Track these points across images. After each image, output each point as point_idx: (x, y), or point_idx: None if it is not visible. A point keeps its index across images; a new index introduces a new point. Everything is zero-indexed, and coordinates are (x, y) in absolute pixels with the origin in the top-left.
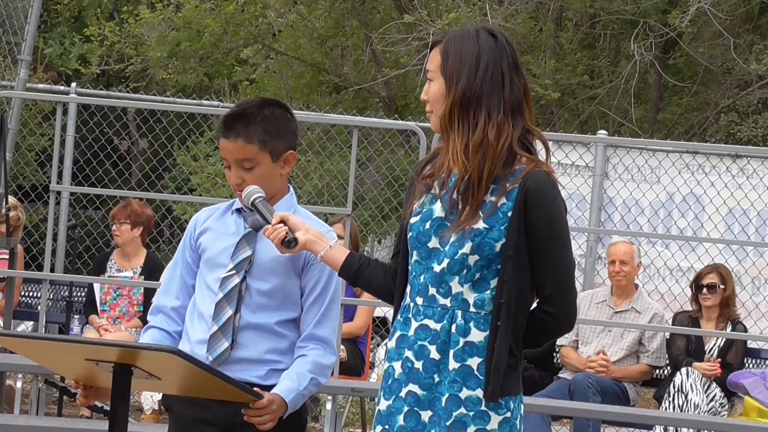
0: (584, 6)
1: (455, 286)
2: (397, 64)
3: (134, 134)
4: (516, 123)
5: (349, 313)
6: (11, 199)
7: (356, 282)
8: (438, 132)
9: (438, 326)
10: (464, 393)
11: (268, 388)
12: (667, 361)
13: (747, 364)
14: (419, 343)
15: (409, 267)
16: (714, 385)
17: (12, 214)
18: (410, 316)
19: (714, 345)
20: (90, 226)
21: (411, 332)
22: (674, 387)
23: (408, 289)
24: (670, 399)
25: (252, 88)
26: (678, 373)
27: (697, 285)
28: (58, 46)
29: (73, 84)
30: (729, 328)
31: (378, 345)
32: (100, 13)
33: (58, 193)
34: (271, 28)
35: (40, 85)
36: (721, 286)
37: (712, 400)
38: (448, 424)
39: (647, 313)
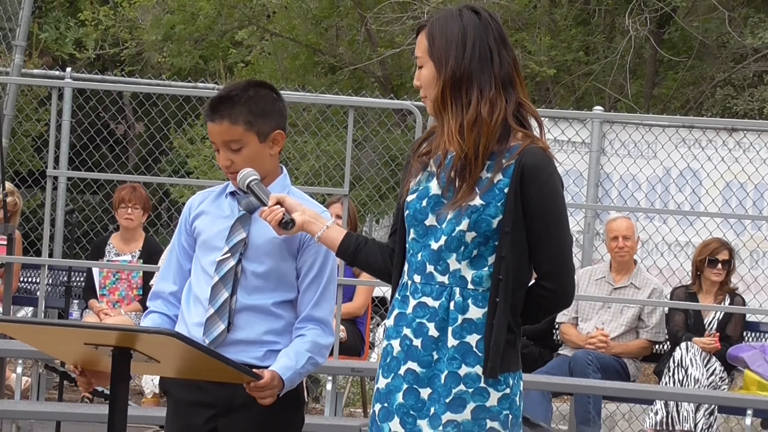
0: None
1: (453, 264)
2: (392, 44)
3: (130, 118)
4: (509, 97)
5: (348, 293)
6: (8, 184)
7: (354, 262)
8: (433, 115)
9: (436, 304)
10: (463, 370)
11: (266, 368)
12: (667, 336)
13: (746, 338)
14: (418, 320)
15: (407, 245)
16: (714, 359)
17: (9, 199)
18: (408, 294)
19: (713, 319)
20: (88, 211)
21: (409, 310)
22: (674, 362)
23: (406, 267)
24: (670, 374)
25: (247, 70)
26: (677, 347)
27: (709, 259)
28: (53, 30)
29: (69, 69)
30: (727, 302)
31: (378, 325)
32: None
33: (55, 178)
34: (266, 10)
35: (36, 71)
36: (731, 262)
37: (712, 374)
38: (447, 401)
39: (646, 289)
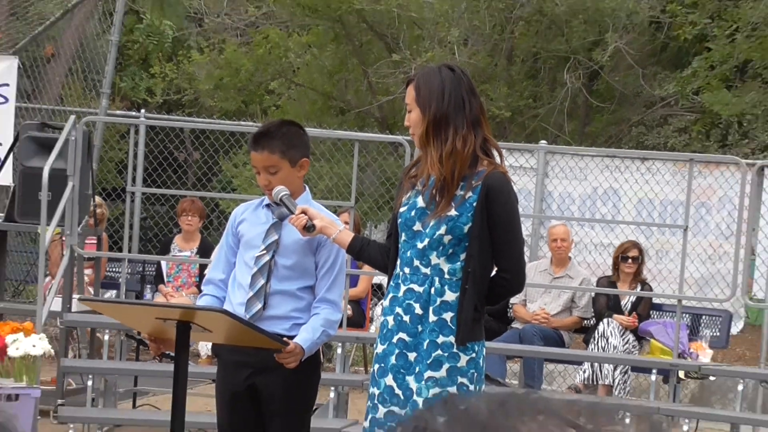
0: (529, 46)
1: (434, 259)
2: (388, 92)
3: (189, 148)
4: (477, 133)
5: (353, 280)
6: (97, 198)
7: (359, 257)
8: (419, 148)
9: (421, 289)
10: (440, 339)
11: (292, 337)
12: (593, 314)
13: (652, 316)
14: (407, 302)
15: (399, 245)
16: (628, 332)
17: (98, 210)
18: (400, 281)
19: (627, 301)
20: (157, 218)
21: (400, 294)
22: (598, 333)
23: (398, 262)
24: (595, 342)
25: (278, 112)
26: (601, 323)
27: (622, 257)
28: (130, 81)
29: (143, 110)
30: (639, 289)
31: (376, 304)
32: (162, 56)
33: (133, 193)
34: (292, 66)
35: (117, 112)
36: (639, 258)
37: (626, 343)
38: (428, 362)
39: (578, 278)
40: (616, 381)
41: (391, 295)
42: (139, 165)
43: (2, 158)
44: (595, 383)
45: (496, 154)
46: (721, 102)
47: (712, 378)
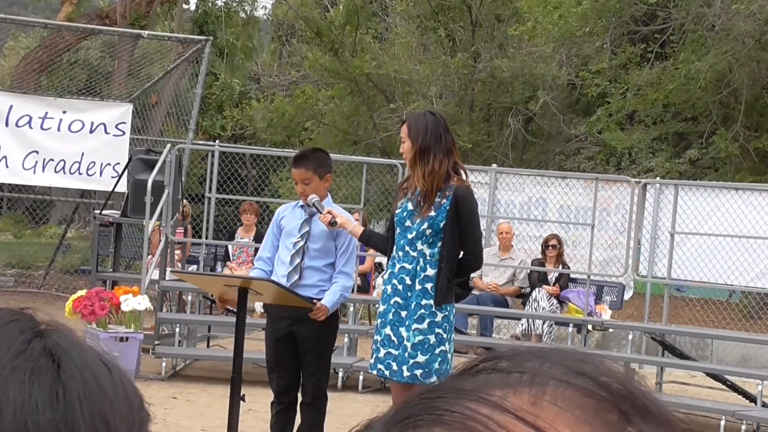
0: (484, 99)
1: (419, 246)
2: (387, 130)
3: (249, 167)
4: (450, 158)
5: (361, 260)
6: (184, 201)
7: (367, 244)
8: (409, 168)
9: (410, 267)
10: (424, 301)
11: (319, 300)
12: (528, 285)
13: (570, 286)
14: (400, 275)
15: (396, 236)
16: (552, 297)
17: (185, 209)
18: (395, 261)
19: (553, 276)
20: (226, 215)
21: (396, 270)
22: (532, 298)
23: (394, 248)
24: (530, 304)
25: (310, 142)
26: (534, 291)
27: (547, 245)
28: (210, 120)
29: (217, 141)
30: (560, 267)
31: (377, 277)
32: (231, 104)
33: (209, 198)
34: (321, 111)
35: (200, 142)
36: (558, 245)
37: (551, 305)
38: (415, 318)
39: (518, 260)
40: (544, 332)
41: (389, 270)
42: (214, 179)
43: (120, 173)
44: (529, 333)
45: (463, 173)
46: (617, 139)
47: (610, 330)
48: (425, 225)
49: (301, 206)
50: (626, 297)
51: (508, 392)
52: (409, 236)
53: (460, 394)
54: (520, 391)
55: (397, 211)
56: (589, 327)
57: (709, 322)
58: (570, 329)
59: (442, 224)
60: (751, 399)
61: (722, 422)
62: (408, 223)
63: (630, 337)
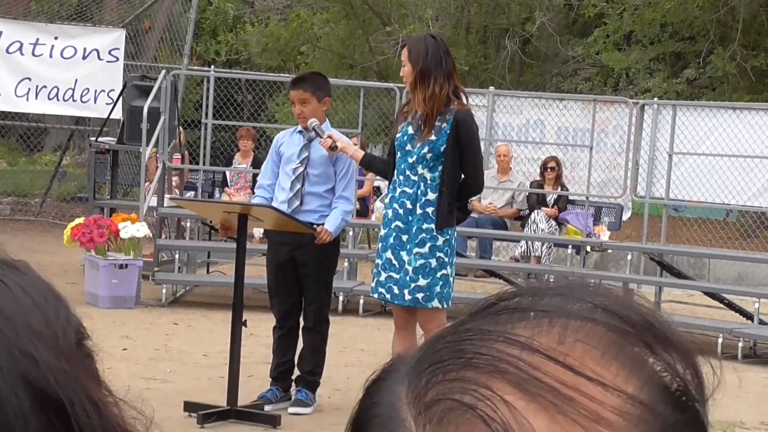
0: (481, 21)
1: (420, 170)
2: (383, 53)
3: (244, 92)
4: (450, 82)
5: (359, 184)
6: (180, 128)
7: (368, 168)
8: (410, 91)
9: (411, 191)
10: (425, 225)
11: (320, 225)
12: (527, 207)
13: (568, 208)
14: (401, 199)
15: (396, 160)
16: (551, 219)
17: (182, 137)
18: (396, 186)
19: (551, 198)
20: (222, 141)
21: (397, 194)
22: (530, 220)
23: (395, 172)
24: (528, 226)
25: (306, 67)
26: (532, 213)
27: (546, 167)
28: (204, 46)
29: (212, 66)
30: (559, 189)
31: (375, 201)
32: (225, 28)
33: (206, 124)
34: (316, 35)
35: (195, 68)
36: (556, 167)
37: (550, 227)
38: (416, 242)
39: (516, 182)
40: (543, 253)
41: (390, 195)
42: (210, 104)
43: (114, 100)
44: (528, 255)
45: (463, 96)
46: (614, 60)
47: (609, 251)
48: (426, 149)
49: (300, 131)
50: (624, 218)
51: (534, 332)
52: (410, 160)
53: (486, 335)
54: (546, 331)
55: (398, 135)
56: (588, 248)
57: (707, 242)
58: (569, 251)
59: (442, 148)
60: (748, 317)
61: (720, 340)
62: (408, 147)
63: (628, 257)
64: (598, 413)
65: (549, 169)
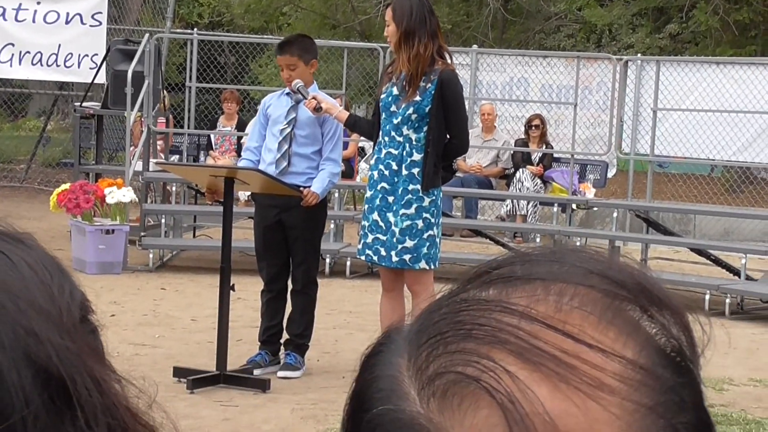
0: None
1: (405, 131)
2: (365, 13)
3: (227, 54)
4: (435, 42)
5: (345, 145)
6: (164, 92)
7: (353, 129)
8: (394, 51)
9: (396, 152)
10: (411, 186)
11: (307, 187)
12: (512, 166)
13: (553, 166)
14: (387, 161)
15: (381, 121)
16: (536, 177)
17: (166, 100)
18: (381, 147)
19: (536, 156)
20: (206, 104)
21: (382, 155)
22: (516, 179)
23: (380, 133)
24: (514, 185)
25: (289, 28)
26: (518, 171)
27: (530, 125)
28: (186, 8)
29: (195, 29)
30: (543, 147)
31: (359, 162)
32: None
33: (190, 87)
34: None
35: (178, 30)
36: (541, 125)
37: (536, 185)
38: (402, 203)
39: (501, 141)
40: (529, 212)
41: (375, 156)
42: (194, 67)
43: (98, 64)
44: (514, 214)
45: (447, 56)
46: (597, 15)
47: (595, 208)
48: (411, 110)
49: (287, 94)
50: (609, 175)
51: (531, 300)
52: (395, 121)
53: (483, 305)
54: (543, 298)
55: (382, 96)
56: (574, 206)
57: (692, 198)
58: (554, 209)
59: (427, 109)
60: (735, 272)
61: (707, 296)
62: (393, 108)
63: (614, 214)
64: (600, 380)
65: (533, 127)
